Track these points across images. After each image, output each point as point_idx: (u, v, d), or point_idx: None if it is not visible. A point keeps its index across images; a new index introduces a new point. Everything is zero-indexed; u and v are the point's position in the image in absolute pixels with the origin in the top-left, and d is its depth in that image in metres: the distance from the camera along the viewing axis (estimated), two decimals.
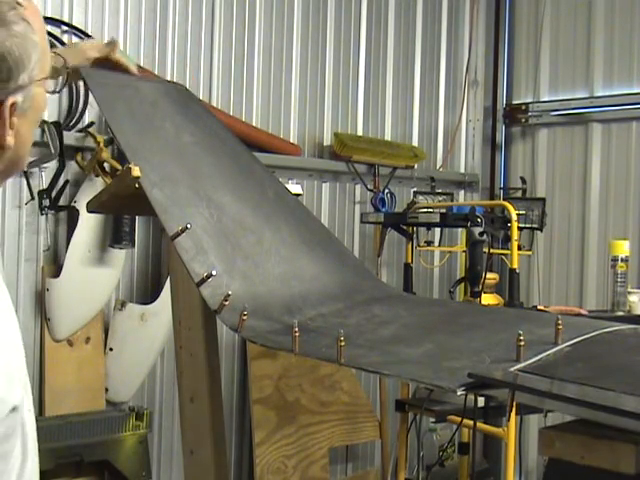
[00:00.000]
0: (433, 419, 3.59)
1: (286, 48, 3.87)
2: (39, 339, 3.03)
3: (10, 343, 1.11)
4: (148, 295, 3.36)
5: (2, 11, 1.03)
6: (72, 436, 2.88)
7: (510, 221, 3.32)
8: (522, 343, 1.35)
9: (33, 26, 1.07)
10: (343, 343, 1.45)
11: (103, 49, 1.82)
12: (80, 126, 3.09)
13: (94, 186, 2.99)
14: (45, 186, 2.96)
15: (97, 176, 3.02)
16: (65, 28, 3.07)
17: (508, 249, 3.50)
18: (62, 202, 3.01)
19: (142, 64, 3.23)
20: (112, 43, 1.85)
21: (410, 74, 4.49)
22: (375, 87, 4.30)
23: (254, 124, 3.70)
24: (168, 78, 3.32)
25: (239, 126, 3.44)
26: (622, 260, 3.35)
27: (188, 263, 1.65)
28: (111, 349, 3.22)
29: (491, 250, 3.36)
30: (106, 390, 3.21)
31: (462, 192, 4.78)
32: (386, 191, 4.18)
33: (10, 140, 1.07)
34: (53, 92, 1.19)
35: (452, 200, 4.28)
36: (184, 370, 2.11)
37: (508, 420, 3.17)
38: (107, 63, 1.82)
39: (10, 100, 1.05)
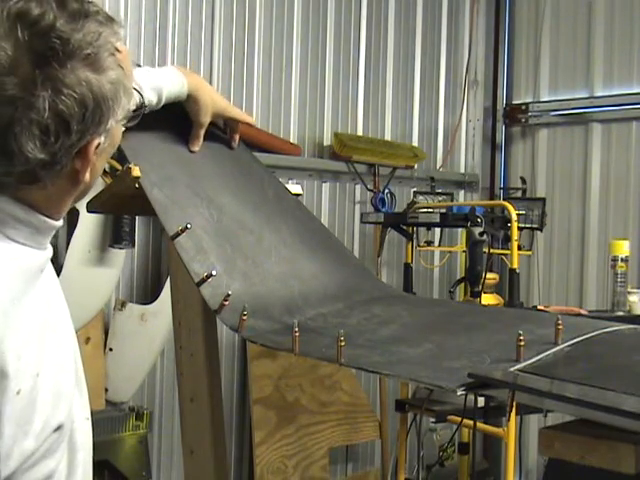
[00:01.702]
0: (433, 419, 3.59)
1: (286, 48, 3.87)
2: None
3: (61, 361, 1.14)
4: (148, 295, 3.36)
5: (102, 57, 1.05)
6: None
7: (510, 221, 3.32)
8: (522, 343, 1.34)
9: (126, 70, 1.11)
10: (343, 343, 1.44)
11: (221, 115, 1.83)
12: None
13: (94, 186, 2.99)
14: None
15: None
16: None
17: (508, 249, 3.50)
18: None
19: (142, 64, 3.23)
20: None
21: (410, 74, 4.49)
22: (375, 87, 4.30)
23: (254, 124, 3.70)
24: None
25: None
26: (622, 260, 3.35)
27: (188, 263, 1.65)
28: (111, 349, 3.22)
29: (491, 250, 3.35)
30: (106, 390, 3.21)
31: (462, 192, 4.78)
32: (386, 191, 4.18)
33: (87, 177, 1.11)
34: (130, 125, 1.23)
35: (452, 200, 4.29)
36: (184, 370, 2.10)
37: (508, 420, 3.17)
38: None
39: (96, 142, 1.08)
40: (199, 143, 1.80)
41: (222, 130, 1.89)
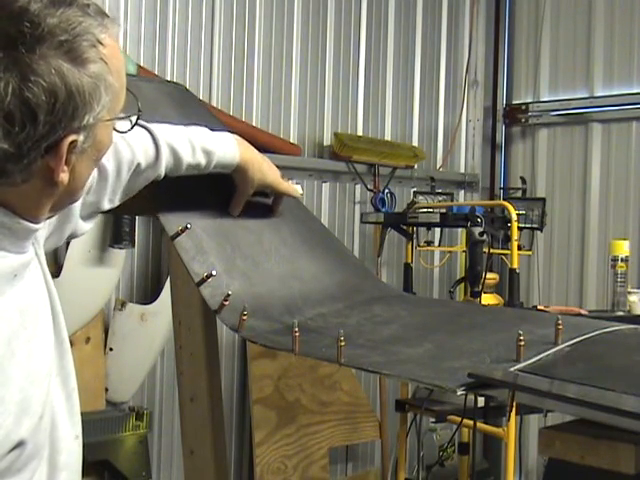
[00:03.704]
0: (433, 419, 3.59)
1: (286, 48, 3.87)
2: None
3: (33, 374, 1.08)
4: (148, 295, 3.36)
5: (80, 47, 1.00)
6: None
7: (510, 221, 3.32)
8: (522, 343, 1.34)
9: (110, 67, 1.03)
10: (343, 343, 1.44)
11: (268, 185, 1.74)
12: None
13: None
14: None
15: None
16: None
17: (508, 249, 3.50)
18: None
19: (142, 64, 3.23)
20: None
21: (410, 74, 4.49)
22: (375, 87, 4.30)
23: (254, 124, 3.70)
24: (168, 78, 3.33)
25: (239, 126, 3.44)
26: (622, 260, 3.35)
27: (188, 263, 1.64)
28: (111, 349, 3.22)
29: (491, 250, 3.35)
30: (106, 390, 3.21)
31: (462, 192, 4.78)
32: (386, 191, 4.18)
33: (64, 177, 1.04)
34: (122, 132, 1.16)
35: (452, 200, 4.28)
36: (184, 370, 2.10)
37: (508, 420, 3.17)
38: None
39: (70, 138, 1.01)
40: (239, 210, 1.74)
41: (265, 195, 1.81)
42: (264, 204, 1.82)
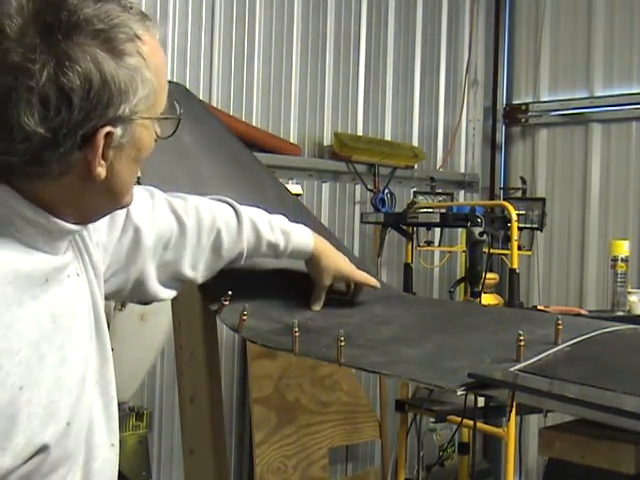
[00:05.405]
0: (433, 419, 3.59)
1: (286, 48, 3.87)
2: None
3: (62, 380, 1.07)
4: None
5: (117, 39, 1.01)
6: None
7: (510, 221, 3.32)
8: (522, 343, 1.34)
9: (148, 63, 1.05)
10: (343, 343, 1.44)
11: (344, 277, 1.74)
12: None
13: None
14: None
15: None
16: None
17: (508, 249, 3.50)
18: None
19: None
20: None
21: (410, 74, 4.49)
22: (375, 87, 4.31)
23: (254, 124, 3.70)
24: (168, 78, 3.32)
25: (239, 126, 3.44)
26: (622, 260, 3.35)
27: None
28: (112, 349, 3.21)
29: (491, 250, 3.35)
30: None
31: (462, 192, 4.78)
32: (386, 191, 4.18)
33: (100, 171, 1.04)
34: (163, 137, 1.16)
35: (452, 200, 4.28)
36: (184, 370, 2.10)
37: (508, 420, 3.17)
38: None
39: (106, 129, 1.02)
40: (320, 304, 1.73)
41: (343, 293, 1.79)
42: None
